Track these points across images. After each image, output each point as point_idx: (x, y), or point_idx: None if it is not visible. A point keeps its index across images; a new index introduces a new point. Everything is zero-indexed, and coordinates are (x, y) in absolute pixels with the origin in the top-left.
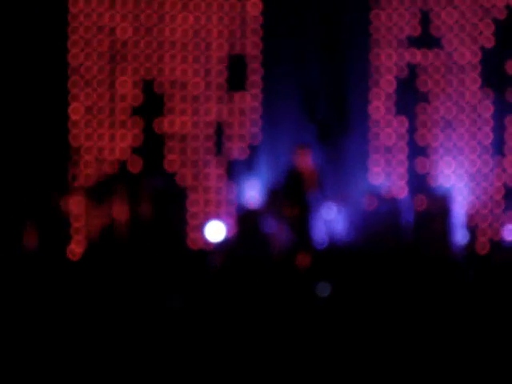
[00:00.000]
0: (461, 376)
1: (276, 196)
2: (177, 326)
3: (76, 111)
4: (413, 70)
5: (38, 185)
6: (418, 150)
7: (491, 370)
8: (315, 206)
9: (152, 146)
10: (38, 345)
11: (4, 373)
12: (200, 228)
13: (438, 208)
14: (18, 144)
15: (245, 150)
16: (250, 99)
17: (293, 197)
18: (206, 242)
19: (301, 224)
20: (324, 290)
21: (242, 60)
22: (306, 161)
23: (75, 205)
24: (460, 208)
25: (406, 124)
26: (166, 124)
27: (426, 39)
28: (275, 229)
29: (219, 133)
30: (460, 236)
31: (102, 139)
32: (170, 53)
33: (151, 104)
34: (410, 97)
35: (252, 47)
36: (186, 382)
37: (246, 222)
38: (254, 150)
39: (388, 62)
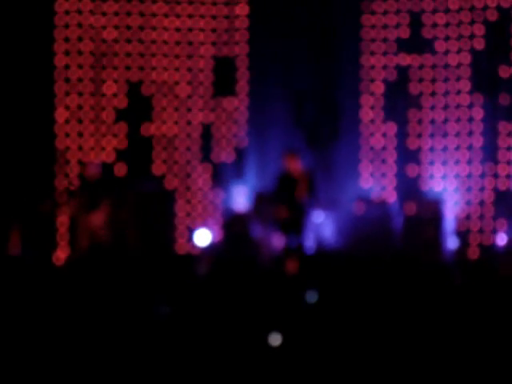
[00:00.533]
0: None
1: (264, 200)
2: (164, 333)
3: (61, 115)
4: (403, 74)
5: (23, 190)
6: (408, 155)
7: (480, 373)
8: (306, 210)
9: (138, 150)
10: (23, 351)
11: None
12: (187, 233)
13: (429, 213)
14: (3, 148)
15: (232, 153)
16: (238, 103)
17: (283, 201)
18: (193, 247)
19: (291, 228)
20: (312, 297)
21: (230, 63)
22: (296, 165)
23: (61, 210)
24: (451, 213)
25: (396, 128)
26: (153, 128)
27: (417, 43)
28: (263, 233)
29: (206, 136)
30: (451, 241)
31: (87, 143)
32: (157, 56)
33: (138, 107)
34: (401, 101)
35: (239, 50)
36: None
37: (233, 226)
38: (241, 153)
39: (378, 66)
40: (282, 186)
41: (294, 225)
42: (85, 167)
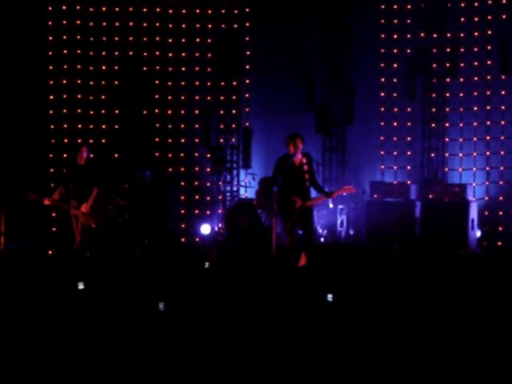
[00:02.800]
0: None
1: (269, 186)
2: (168, 324)
3: (58, 104)
4: (425, 55)
5: (18, 181)
6: (431, 139)
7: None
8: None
9: (138, 136)
10: (24, 345)
11: None
12: (189, 220)
13: (453, 199)
14: None
15: (238, 138)
16: (243, 85)
17: (289, 187)
18: (198, 235)
19: (298, 217)
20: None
21: (234, 45)
22: (297, 150)
23: (60, 200)
24: (475, 200)
25: (419, 111)
26: (153, 112)
27: (435, 23)
28: (269, 221)
29: (209, 120)
30: (475, 230)
31: (86, 132)
32: (158, 40)
33: (139, 94)
34: (423, 82)
35: (244, 29)
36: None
37: (238, 213)
38: (247, 137)
39: (397, 46)
40: (285, 171)
41: (306, 214)
42: (75, 152)
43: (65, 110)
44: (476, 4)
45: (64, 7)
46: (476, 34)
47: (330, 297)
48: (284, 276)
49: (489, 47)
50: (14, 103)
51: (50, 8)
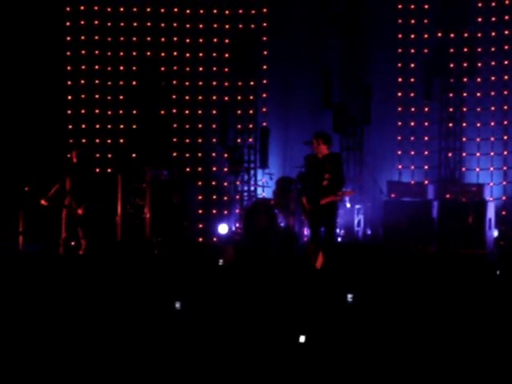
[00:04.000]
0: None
1: (287, 185)
2: (184, 322)
3: (76, 104)
4: (442, 55)
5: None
6: (448, 139)
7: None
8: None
9: (155, 136)
10: (38, 342)
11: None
12: (207, 220)
13: (470, 199)
14: (8, 133)
15: (255, 137)
16: (261, 85)
17: (309, 186)
18: (215, 235)
19: (319, 217)
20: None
21: (251, 45)
22: (320, 149)
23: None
24: (492, 199)
25: (436, 111)
26: (171, 112)
27: (457, 20)
28: (287, 221)
29: (227, 120)
30: (492, 229)
31: (103, 130)
32: (175, 40)
33: (155, 93)
34: (440, 82)
35: (261, 29)
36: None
37: (256, 213)
38: (264, 137)
39: (414, 46)
40: (309, 169)
41: (321, 213)
42: (71, 153)
43: (83, 111)
44: (493, 4)
45: (82, 7)
46: (493, 34)
47: (349, 297)
48: (301, 276)
49: (506, 47)
50: (32, 104)
51: (67, 9)
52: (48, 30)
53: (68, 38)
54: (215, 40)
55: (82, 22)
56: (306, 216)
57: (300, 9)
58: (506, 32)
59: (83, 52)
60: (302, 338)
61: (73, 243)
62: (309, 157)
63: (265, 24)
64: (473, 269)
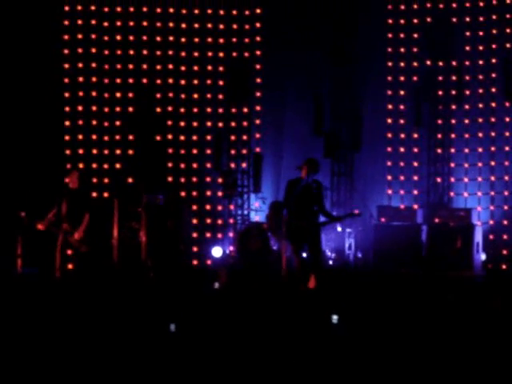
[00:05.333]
0: None
1: (280, 209)
2: (178, 346)
3: (71, 128)
4: (428, 79)
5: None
6: (434, 163)
7: None
8: (317, 221)
9: (151, 161)
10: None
11: None
12: (201, 243)
13: (458, 222)
14: (6, 158)
15: (247, 161)
16: (254, 112)
17: (298, 211)
18: (209, 258)
19: (305, 240)
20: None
21: (246, 72)
22: (306, 174)
23: (52, 224)
24: (478, 222)
25: (422, 136)
26: (167, 138)
27: (445, 51)
28: (280, 244)
29: (221, 146)
30: (480, 253)
31: (100, 156)
32: (171, 66)
33: (151, 119)
34: (429, 108)
35: (256, 57)
36: None
37: (249, 237)
38: (256, 161)
39: (404, 74)
40: (295, 194)
41: (308, 237)
42: (68, 176)
43: (80, 136)
44: (481, 33)
45: (79, 36)
46: (481, 62)
47: (335, 318)
48: (293, 297)
49: (493, 75)
50: (30, 129)
51: (66, 37)
52: (47, 55)
53: (66, 66)
54: (210, 68)
55: (80, 50)
56: (292, 238)
57: (293, 38)
58: (493, 60)
59: (80, 79)
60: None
61: (69, 267)
62: (293, 181)
63: (258, 52)
64: (460, 292)
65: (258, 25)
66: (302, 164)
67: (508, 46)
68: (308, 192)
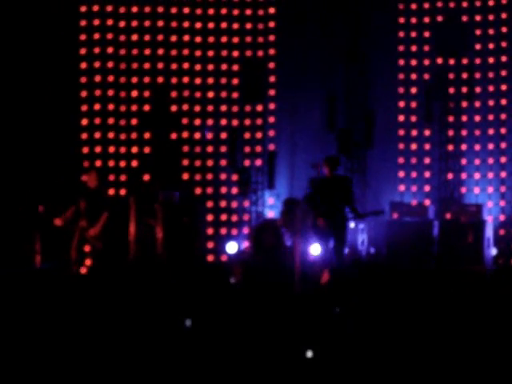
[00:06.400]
0: None
1: (294, 206)
2: (192, 342)
3: (89, 126)
4: (440, 76)
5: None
6: (446, 159)
7: None
8: (343, 217)
9: (167, 159)
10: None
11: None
12: (216, 239)
13: (469, 218)
14: (25, 156)
15: (261, 159)
16: (268, 110)
17: (319, 208)
18: (224, 255)
19: (329, 236)
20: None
21: (260, 70)
22: (330, 172)
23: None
24: (490, 218)
25: (434, 132)
26: (179, 134)
27: (456, 47)
28: (293, 241)
29: (236, 143)
30: (491, 248)
31: (117, 154)
32: (186, 65)
33: (166, 117)
34: (440, 106)
35: (268, 53)
36: None
37: (263, 233)
38: (271, 159)
39: (415, 72)
40: (316, 191)
41: (332, 233)
42: (86, 175)
43: (97, 135)
44: (491, 32)
45: (96, 36)
46: (491, 60)
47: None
48: (305, 293)
49: (503, 73)
50: (48, 126)
51: (82, 37)
52: (63, 56)
53: (83, 65)
54: (224, 67)
55: (97, 50)
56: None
57: (307, 36)
58: (504, 58)
59: (97, 78)
60: (309, 354)
61: (87, 263)
62: (316, 179)
63: (272, 51)
64: (471, 284)
65: (271, 24)
66: (322, 162)
67: None
68: (336, 188)
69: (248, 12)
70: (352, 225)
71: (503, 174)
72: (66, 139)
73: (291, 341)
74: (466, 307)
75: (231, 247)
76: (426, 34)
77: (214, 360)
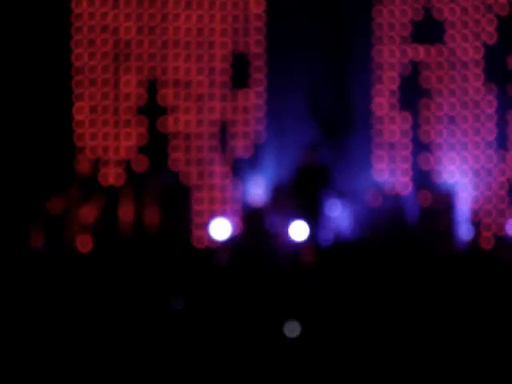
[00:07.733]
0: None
1: (282, 193)
2: (179, 327)
3: (80, 111)
4: (416, 67)
5: (40, 185)
6: (421, 146)
7: (491, 370)
8: (323, 202)
9: (156, 145)
10: (42, 344)
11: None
12: (205, 226)
13: (443, 204)
14: (21, 143)
15: (249, 147)
16: (254, 97)
17: (302, 194)
18: (212, 240)
19: (310, 220)
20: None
21: (246, 58)
22: (313, 158)
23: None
24: (464, 204)
25: (410, 120)
26: (171, 123)
27: (429, 35)
28: (281, 226)
29: (223, 131)
30: (464, 232)
31: (106, 139)
32: (174, 52)
33: (155, 103)
34: (413, 93)
35: (255, 45)
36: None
37: (251, 220)
38: (258, 147)
39: (390, 59)
40: (298, 178)
41: (313, 217)
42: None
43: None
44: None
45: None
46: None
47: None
48: (292, 276)
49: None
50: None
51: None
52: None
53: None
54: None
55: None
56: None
57: (292, 33)
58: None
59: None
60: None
61: (85, 243)
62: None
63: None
64: (447, 270)
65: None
66: (304, 149)
67: None
68: (316, 174)
69: None
70: (332, 209)
71: (479, 162)
72: (63, 134)
73: (276, 322)
74: (438, 289)
75: (218, 231)
76: (403, 21)
77: (205, 341)
